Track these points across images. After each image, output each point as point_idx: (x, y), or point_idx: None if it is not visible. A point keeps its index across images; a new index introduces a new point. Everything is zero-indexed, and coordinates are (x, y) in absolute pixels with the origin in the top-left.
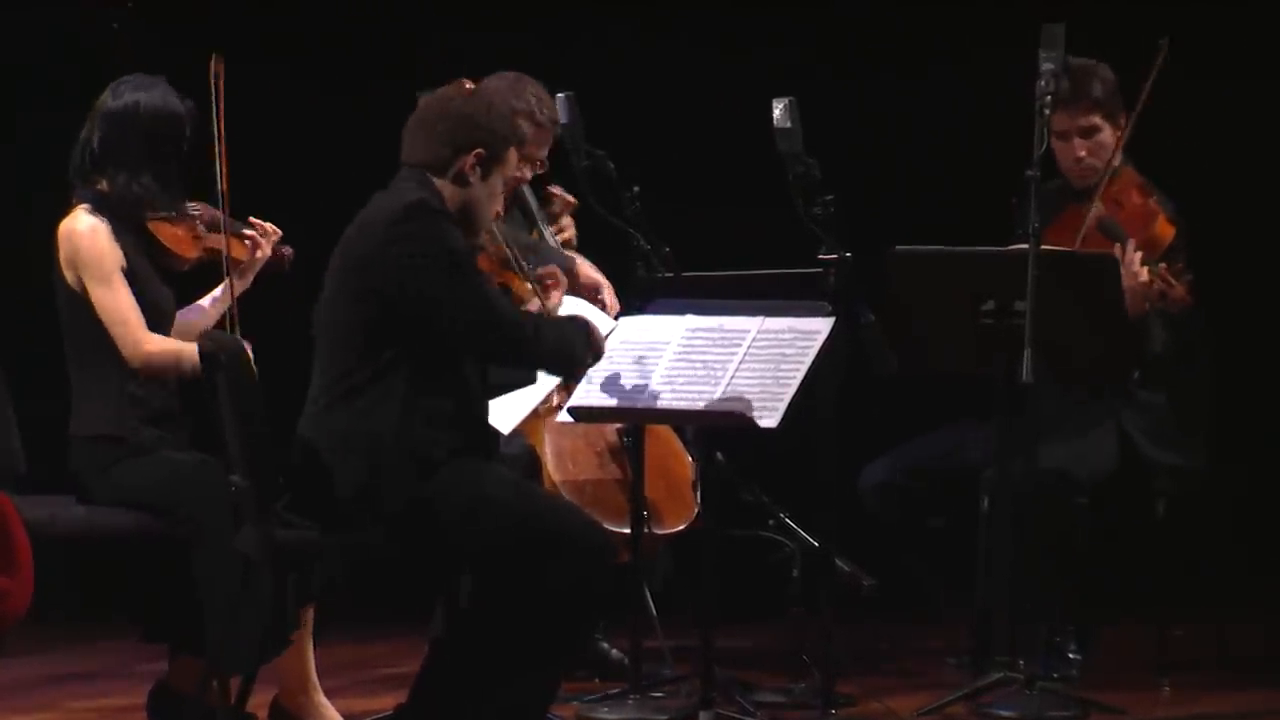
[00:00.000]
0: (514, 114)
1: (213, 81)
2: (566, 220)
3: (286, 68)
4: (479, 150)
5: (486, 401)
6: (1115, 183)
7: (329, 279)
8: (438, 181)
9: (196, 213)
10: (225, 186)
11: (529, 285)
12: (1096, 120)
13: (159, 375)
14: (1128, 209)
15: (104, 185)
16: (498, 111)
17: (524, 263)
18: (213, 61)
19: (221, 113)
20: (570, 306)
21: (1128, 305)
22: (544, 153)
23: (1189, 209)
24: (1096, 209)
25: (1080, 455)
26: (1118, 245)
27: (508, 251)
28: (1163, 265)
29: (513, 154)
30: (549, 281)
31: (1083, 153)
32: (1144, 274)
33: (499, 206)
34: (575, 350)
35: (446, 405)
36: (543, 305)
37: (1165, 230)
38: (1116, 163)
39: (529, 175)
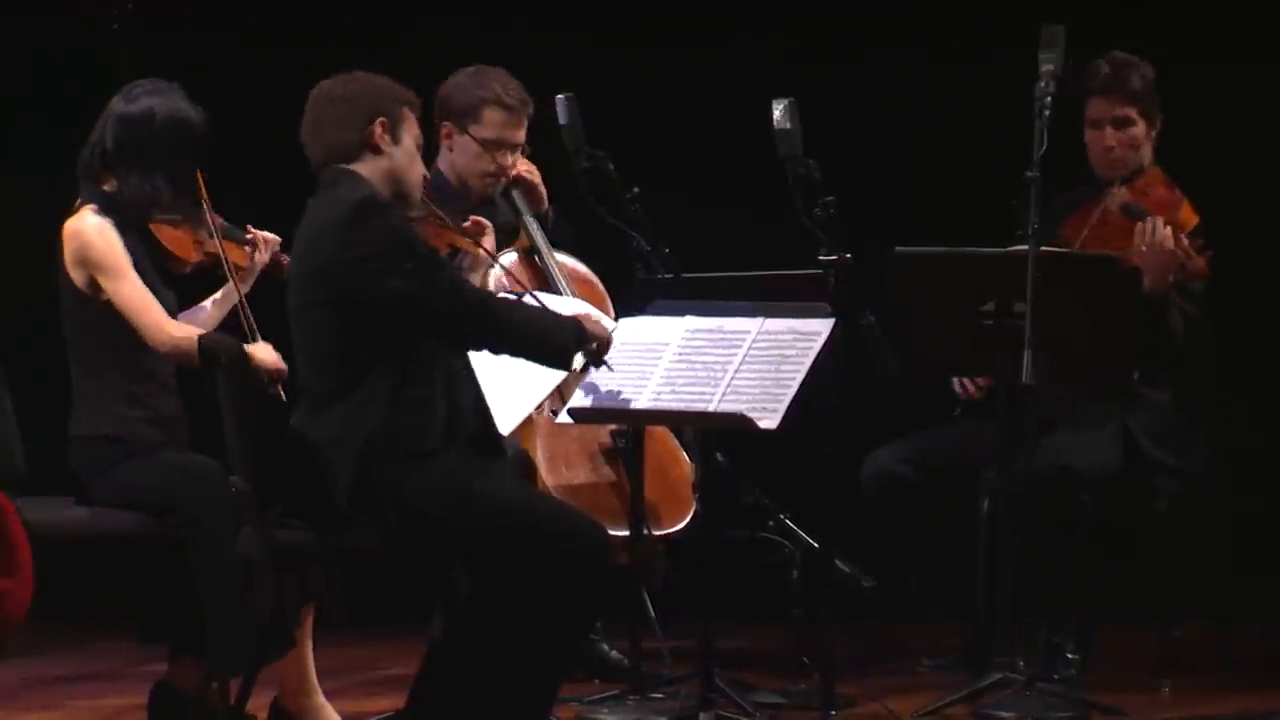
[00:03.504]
0: (482, 103)
1: (200, 189)
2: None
3: (285, 67)
4: (381, 119)
5: (477, 389)
6: (1142, 178)
7: (290, 293)
8: (360, 169)
9: (202, 216)
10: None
11: (466, 238)
12: (1131, 113)
13: (184, 359)
14: (1153, 197)
15: (111, 185)
16: (373, 81)
17: (449, 218)
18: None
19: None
20: (568, 307)
21: (1151, 280)
22: (521, 135)
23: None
24: (1120, 194)
25: (1083, 453)
26: (1140, 224)
27: (435, 210)
28: (1184, 238)
29: (408, 111)
30: (475, 230)
31: (1113, 143)
32: (1169, 240)
33: (421, 168)
34: (556, 336)
35: (433, 397)
36: (476, 254)
37: (1189, 216)
38: (1146, 162)
39: (514, 163)
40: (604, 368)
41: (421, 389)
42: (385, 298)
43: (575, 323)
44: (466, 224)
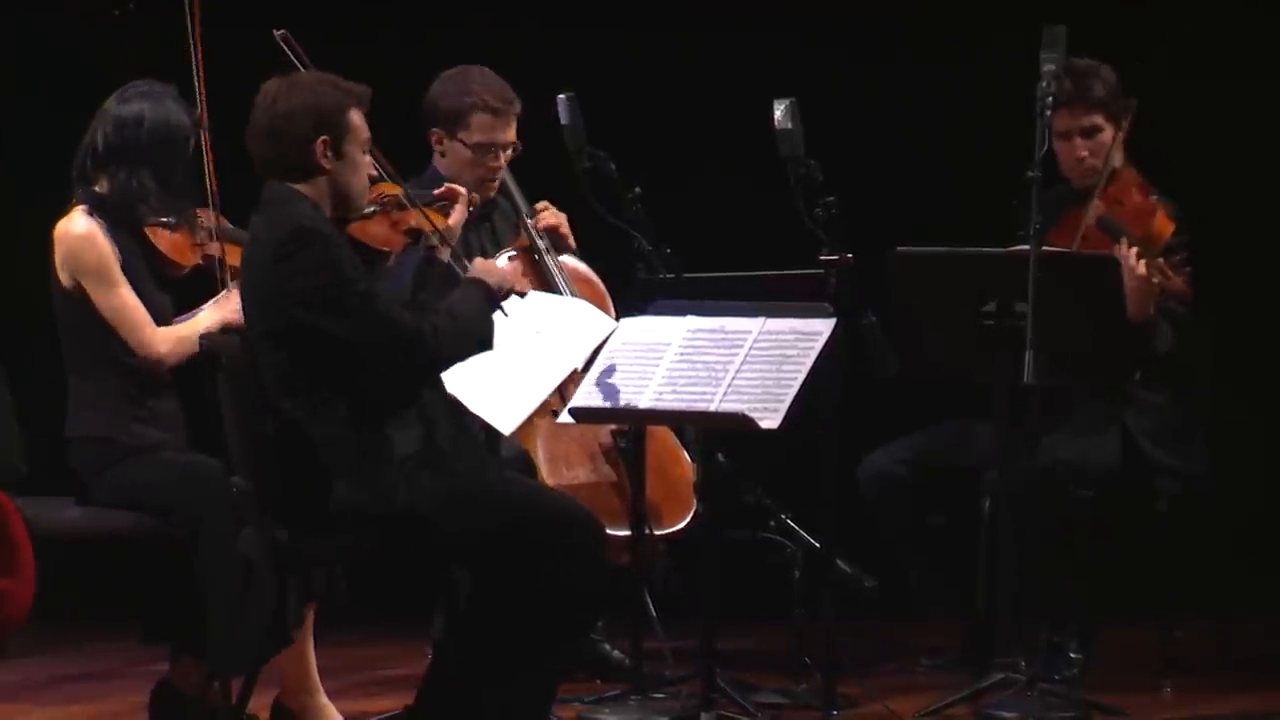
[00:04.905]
0: (469, 109)
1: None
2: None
3: (285, 67)
4: (323, 137)
5: (446, 397)
6: (1116, 182)
7: (244, 315)
8: (304, 188)
9: (199, 220)
10: (215, 188)
11: (429, 214)
12: (1098, 120)
13: (173, 363)
14: (1128, 206)
15: (103, 186)
16: (316, 90)
17: (410, 194)
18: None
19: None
20: (567, 306)
21: (1132, 308)
22: (509, 135)
23: (1189, 210)
24: (1096, 207)
25: (1083, 453)
26: (1118, 244)
27: (398, 191)
28: (1160, 260)
29: (354, 115)
30: (448, 199)
31: (1084, 153)
32: (1142, 268)
33: (369, 171)
34: (476, 324)
35: (401, 406)
36: (447, 226)
37: (1164, 226)
38: (1117, 164)
39: (503, 162)
40: (499, 312)
41: (386, 400)
42: (319, 336)
43: (480, 288)
44: (438, 191)
